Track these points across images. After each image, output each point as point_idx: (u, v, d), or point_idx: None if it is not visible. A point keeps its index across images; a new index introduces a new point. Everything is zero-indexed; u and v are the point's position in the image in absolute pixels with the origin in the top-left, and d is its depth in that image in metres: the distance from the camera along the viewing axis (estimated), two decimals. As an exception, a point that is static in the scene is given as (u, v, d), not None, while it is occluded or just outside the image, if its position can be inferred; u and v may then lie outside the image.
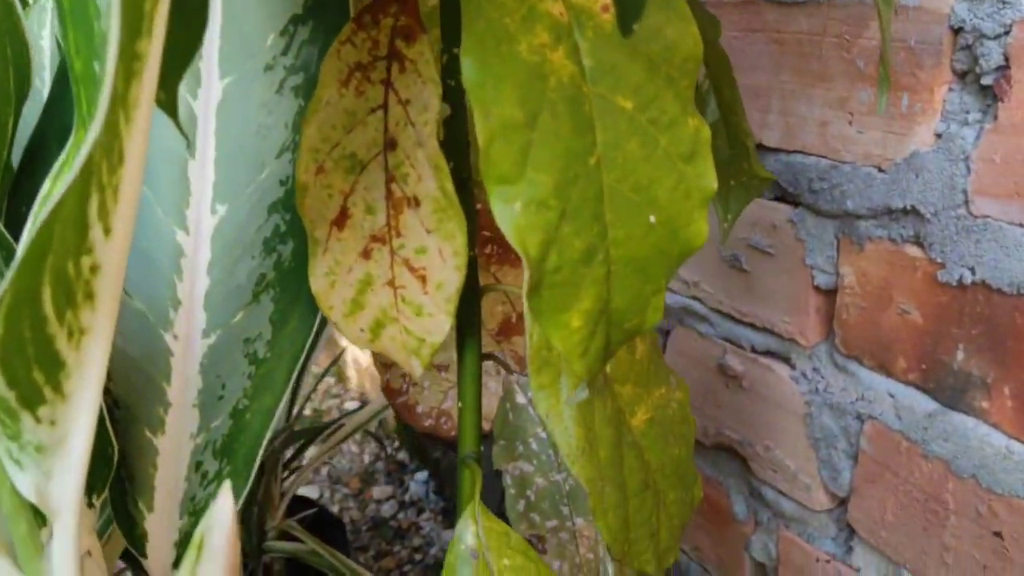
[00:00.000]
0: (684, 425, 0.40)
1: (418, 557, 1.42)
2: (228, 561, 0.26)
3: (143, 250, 0.35)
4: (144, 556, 0.36)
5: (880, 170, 0.55)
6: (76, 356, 0.25)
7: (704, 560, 0.84)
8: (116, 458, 0.34)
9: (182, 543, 0.35)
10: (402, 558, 1.42)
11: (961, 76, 0.50)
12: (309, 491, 1.57)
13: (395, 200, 0.33)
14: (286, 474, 1.08)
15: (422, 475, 1.62)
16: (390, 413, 1.74)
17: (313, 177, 0.32)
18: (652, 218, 0.27)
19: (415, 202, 0.32)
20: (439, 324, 0.34)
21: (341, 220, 0.33)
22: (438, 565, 1.39)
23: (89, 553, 0.33)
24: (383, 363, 0.47)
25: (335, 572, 0.94)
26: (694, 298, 0.75)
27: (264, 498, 0.98)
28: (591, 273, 0.27)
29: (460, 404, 0.39)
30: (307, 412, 1.80)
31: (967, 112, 0.50)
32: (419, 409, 0.49)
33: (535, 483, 0.47)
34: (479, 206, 0.42)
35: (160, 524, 0.36)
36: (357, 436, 1.79)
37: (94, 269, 0.23)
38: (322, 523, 1.09)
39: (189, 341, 0.35)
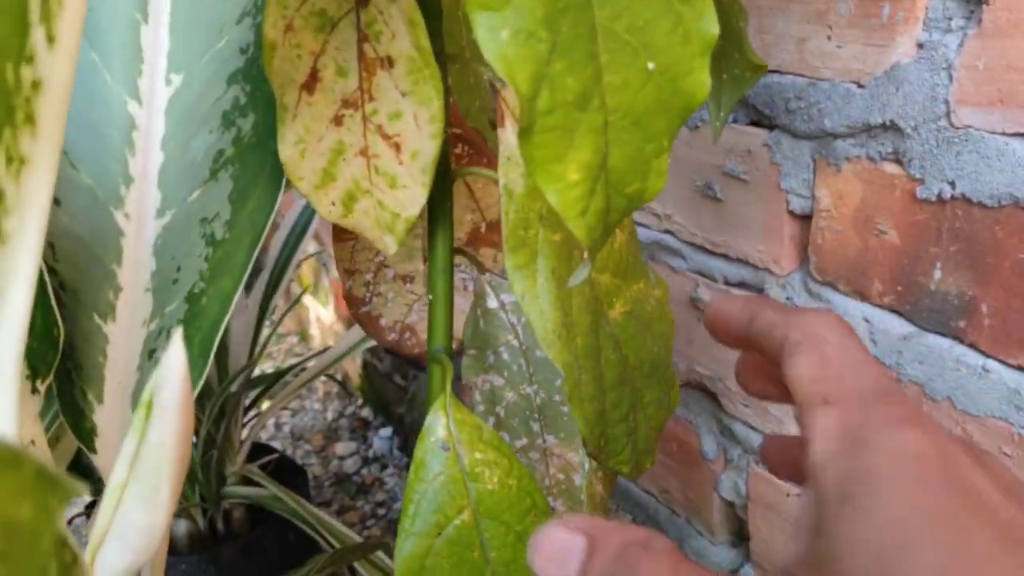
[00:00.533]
0: (663, 324, 0.39)
1: (381, 512, 1.40)
2: (181, 421, 0.24)
3: (91, 120, 0.32)
4: (93, 451, 0.34)
5: (859, 85, 0.54)
6: (16, 190, 0.23)
7: (672, 503, 0.83)
8: (62, 341, 0.32)
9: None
10: (365, 513, 1.40)
11: (945, -17, 0.49)
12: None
13: (368, 61, 0.31)
14: (247, 419, 1.06)
15: (386, 431, 1.60)
16: (354, 368, 1.72)
17: (282, 35, 0.30)
18: (650, 64, 0.25)
19: (389, 62, 0.30)
20: (414, 197, 0.32)
21: (311, 83, 0.31)
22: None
23: (33, 442, 0.31)
24: (346, 269, 0.45)
25: (297, 518, 0.93)
26: (667, 231, 0.74)
27: (224, 443, 0.96)
28: (587, 120, 0.25)
29: (430, 296, 0.37)
30: (269, 370, 1.77)
31: (950, 19, 0.48)
32: (382, 322, 0.47)
33: (505, 398, 0.45)
34: (452, 99, 0.40)
35: (111, 417, 0.34)
36: (319, 393, 1.76)
37: (36, 85, 0.21)
38: (284, 470, 1.07)
39: (141, 221, 0.33)
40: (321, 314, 1.89)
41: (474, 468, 0.33)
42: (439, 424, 0.34)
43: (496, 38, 0.22)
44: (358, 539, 0.86)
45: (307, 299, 1.91)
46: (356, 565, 0.85)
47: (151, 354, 0.34)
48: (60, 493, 0.13)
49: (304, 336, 2.02)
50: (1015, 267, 0.48)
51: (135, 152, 0.33)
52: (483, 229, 0.44)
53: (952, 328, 0.53)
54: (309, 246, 1.31)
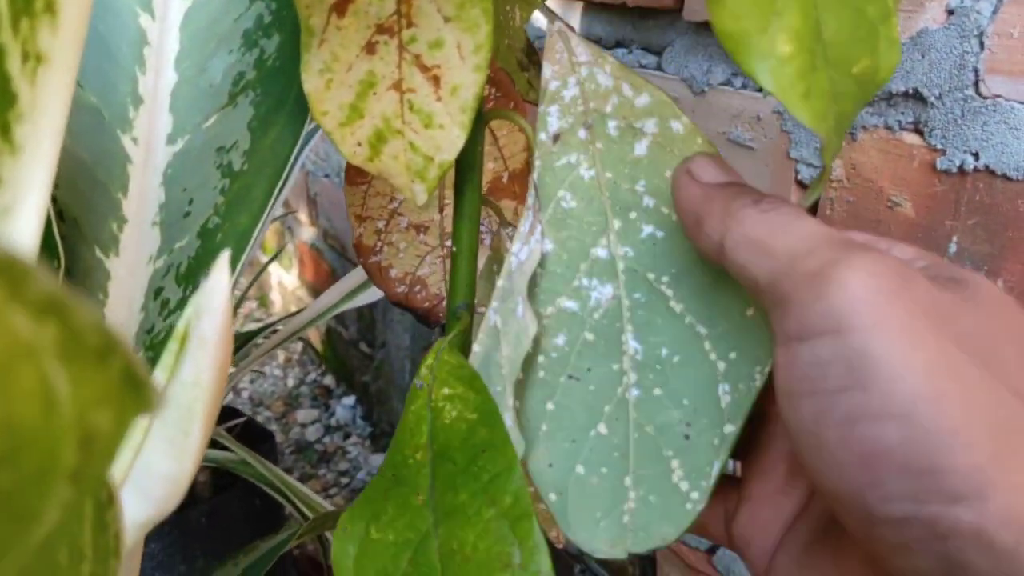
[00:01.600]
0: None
1: (344, 481, 1.38)
2: (221, 356, 0.21)
3: (98, 33, 0.29)
4: (89, 398, 0.31)
5: (883, 51, 0.52)
6: (31, 93, 0.20)
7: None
8: (61, 274, 0.29)
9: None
10: (328, 481, 1.38)
11: (980, -53, 0.47)
12: (229, 413, 1.51)
13: (409, -22, 0.28)
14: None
15: (349, 400, 1.57)
16: (316, 335, 1.68)
17: (313, -54, 0.27)
18: None
19: (433, -20, 0.28)
20: (452, 139, 0.30)
21: (342, 5, 0.28)
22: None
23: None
24: (356, 215, 0.42)
25: (265, 482, 0.90)
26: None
27: (190, 404, 0.92)
28: None
29: (453, 248, 0.35)
30: (228, 334, 1.73)
31: (985, -15, 0.47)
32: (392, 273, 0.45)
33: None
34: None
35: (109, 361, 0.31)
36: (280, 360, 1.73)
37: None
38: (251, 434, 1.04)
39: (151, 146, 0.30)
40: (284, 278, 1.85)
41: (438, 403, 0.30)
42: (424, 366, 0.31)
43: None
44: (329, 506, 0.83)
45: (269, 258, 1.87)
46: (327, 535, 0.82)
47: (157, 293, 0.31)
48: (141, 402, 0.10)
49: (264, 301, 1.98)
50: (1036, 242, 0.47)
51: (146, 71, 0.30)
52: (505, 179, 0.42)
53: (964, 304, 0.52)
54: (277, 209, 1.27)
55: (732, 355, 0.29)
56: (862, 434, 0.20)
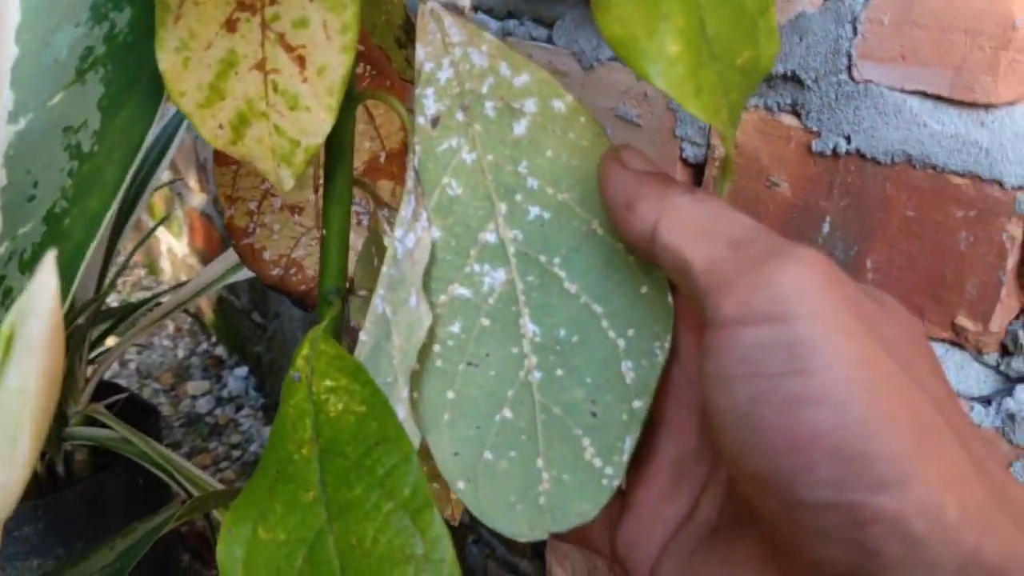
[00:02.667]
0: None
1: (236, 454, 1.35)
2: (49, 361, 0.20)
3: (-74, 1, 0.27)
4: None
5: (763, 33, 0.53)
6: None
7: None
8: None
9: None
10: (219, 455, 1.35)
11: (855, -66, 0.48)
12: (115, 385, 1.46)
13: (269, -47, 0.27)
14: (92, 356, 0.99)
15: (241, 371, 1.54)
16: (207, 305, 1.63)
17: (163, -85, 0.26)
18: None
19: (294, -43, 0.26)
20: (318, 122, 0.29)
21: (198, -22, 0.27)
22: (258, 461, 1.33)
23: None
24: (227, 196, 0.41)
25: (148, 460, 0.87)
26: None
27: (67, 380, 0.89)
28: None
29: (323, 231, 0.34)
30: (115, 304, 1.66)
31: (859, -29, 0.48)
32: (266, 255, 0.43)
33: (394, 342, 0.42)
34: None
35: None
36: (170, 330, 1.68)
37: None
38: (133, 410, 1.01)
39: (-10, 125, 0.28)
40: (173, 245, 1.79)
41: (321, 395, 0.29)
42: (300, 356, 0.31)
43: None
44: (215, 483, 0.82)
45: (159, 229, 1.80)
46: (214, 512, 0.81)
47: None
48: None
49: (153, 269, 1.91)
50: (902, 224, 0.49)
51: (-17, 43, 0.28)
52: (382, 159, 0.41)
53: (836, 282, 0.53)
54: (163, 174, 1.23)
55: (630, 332, 0.29)
56: (799, 418, 0.20)
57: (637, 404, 0.29)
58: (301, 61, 0.28)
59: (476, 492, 0.30)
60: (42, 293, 0.19)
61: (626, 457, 0.29)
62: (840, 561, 0.20)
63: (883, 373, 0.20)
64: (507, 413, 0.30)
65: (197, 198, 1.62)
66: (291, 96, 0.29)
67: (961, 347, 0.49)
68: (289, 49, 0.28)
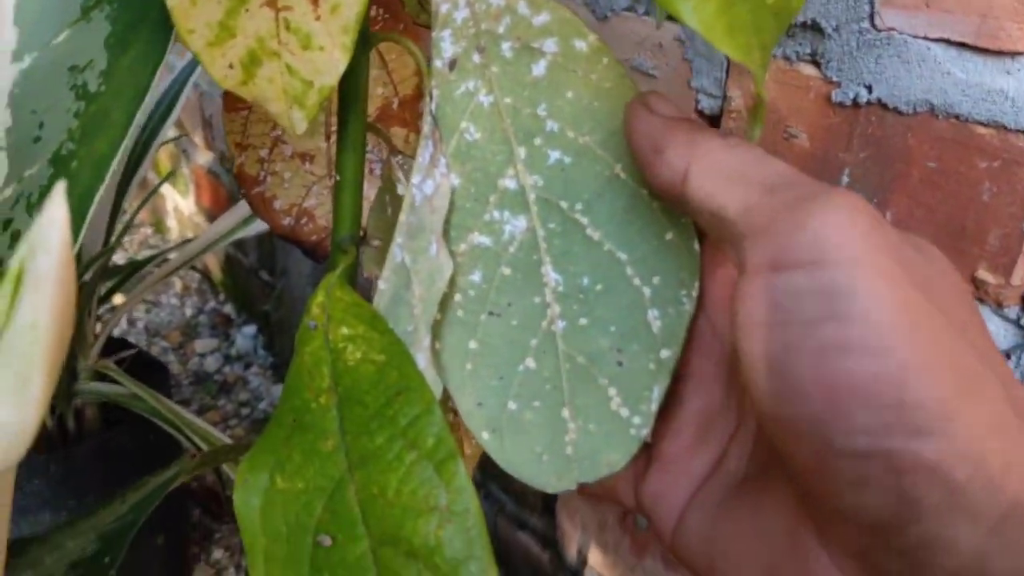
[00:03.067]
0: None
1: (245, 412, 1.36)
2: (61, 296, 0.19)
3: (-74, -67, 0.26)
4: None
5: (783, -20, 0.52)
6: None
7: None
8: None
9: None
10: (227, 412, 1.35)
11: None
12: (123, 343, 1.46)
13: None
14: (100, 312, 0.98)
15: (250, 329, 1.54)
16: (215, 262, 1.63)
17: None
18: None
19: None
20: (332, 62, 0.28)
21: (205, -92, 0.26)
22: (267, 419, 1.33)
23: None
24: (237, 143, 0.40)
25: (158, 416, 0.87)
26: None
27: (75, 335, 0.89)
28: None
29: (337, 178, 0.33)
30: (121, 262, 1.66)
31: (884, -86, 0.47)
32: (276, 204, 0.43)
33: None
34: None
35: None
36: (177, 288, 1.67)
37: None
38: (142, 366, 1.01)
39: (-7, 64, 0.27)
40: (180, 204, 1.78)
41: (338, 344, 0.29)
42: (315, 303, 0.30)
43: None
44: (226, 439, 0.82)
45: (165, 187, 1.79)
46: (224, 467, 0.81)
47: (6, 225, 0.28)
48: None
49: (160, 227, 1.90)
50: (923, 176, 0.48)
51: (-16, -22, 0.27)
52: (395, 105, 0.40)
53: (854, 236, 0.52)
54: (169, 131, 1.22)
55: (656, 280, 0.29)
56: (835, 366, 0.20)
57: (665, 353, 0.28)
58: (314, -2, 0.27)
59: (501, 443, 0.29)
60: (51, 226, 0.18)
61: (654, 407, 0.28)
62: (877, 509, 0.20)
63: (924, 320, 0.20)
64: (531, 363, 0.29)
65: (203, 155, 1.61)
66: (304, 34, 0.28)
67: (981, 301, 0.48)
68: (302, -15, 0.27)
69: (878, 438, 0.19)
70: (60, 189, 0.18)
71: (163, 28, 0.29)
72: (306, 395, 0.28)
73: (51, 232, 0.18)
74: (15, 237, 0.28)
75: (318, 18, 0.28)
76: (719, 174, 0.23)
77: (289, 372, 0.30)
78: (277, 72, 0.29)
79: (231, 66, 0.28)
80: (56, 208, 0.18)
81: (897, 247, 0.21)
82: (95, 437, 0.93)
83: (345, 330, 0.29)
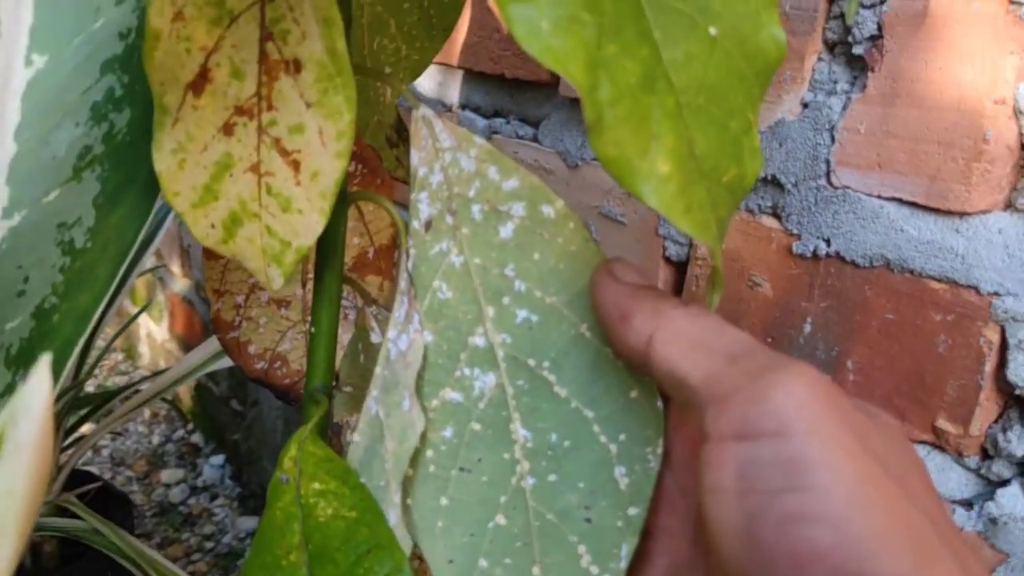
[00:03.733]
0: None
1: (209, 545, 1.32)
2: (38, 464, 0.20)
3: (-70, 100, 0.28)
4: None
5: (744, 138, 0.55)
6: None
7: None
8: None
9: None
10: (191, 546, 1.31)
11: (831, 47, 0.50)
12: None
13: (270, 63, 0.27)
14: (66, 443, 0.97)
15: (217, 459, 1.51)
16: (185, 391, 1.62)
17: (169, 24, 0.26)
18: (711, 30, 0.23)
19: (295, 67, 0.27)
20: (310, 224, 0.29)
21: (199, 84, 0.28)
22: (232, 554, 1.30)
23: None
24: (215, 290, 0.41)
25: (119, 553, 0.85)
26: (537, 268, 0.73)
27: (39, 469, 0.87)
28: (659, 103, 0.22)
29: (312, 329, 0.34)
30: (91, 389, 1.64)
31: (835, 82, 0.50)
32: (251, 349, 0.43)
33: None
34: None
35: (-74, 448, 0.28)
36: (145, 416, 1.65)
37: None
38: (106, 500, 0.98)
39: (-16, 221, 0.28)
40: (153, 331, 1.78)
41: (309, 499, 0.29)
42: (287, 457, 0.30)
43: (537, 31, 0.20)
44: (187, 578, 0.79)
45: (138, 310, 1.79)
46: (185, 608, 0.78)
47: (-16, 377, 0.29)
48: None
49: (132, 353, 1.89)
50: (881, 327, 0.50)
51: (-18, 141, 0.28)
52: (371, 255, 0.41)
53: (818, 382, 0.54)
54: (148, 260, 1.23)
55: (622, 437, 0.29)
56: (798, 535, 0.20)
57: (632, 511, 0.29)
58: (296, 165, 0.29)
59: None
60: (35, 396, 0.19)
61: (623, 564, 0.29)
62: None
63: (881, 491, 0.20)
64: (501, 520, 0.30)
65: (179, 283, 1.62)
66: (284, 199, 0.29)
67: (942, 450, 0.49)
68: (284, 154, 0.29)
69: None
70: (45, 361, 0.19)
71: (151, 188, 0.30)
72: (277, 552, 0.28)
73: (34, 402, 0.19)
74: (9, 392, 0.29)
75: (298, 184, 0.29)
76: (682, 342, 0.24)
77: (260, 526, 0.30)
78: (257, 233, 0.30)
79: (213, 226, 0.30)
80: (40, 377, 0.19)
81: (853, 417, 0.22)
82: (53, 574, 0.89)
83: (317, 485, 0.29)
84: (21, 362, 0.29)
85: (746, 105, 0.24)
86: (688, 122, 0.22)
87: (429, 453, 0.30)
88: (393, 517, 0.29)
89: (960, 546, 0.22)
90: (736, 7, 0.22)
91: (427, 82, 0.83)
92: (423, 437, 0.30)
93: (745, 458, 0.21)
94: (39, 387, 0.19)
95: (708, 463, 0.22)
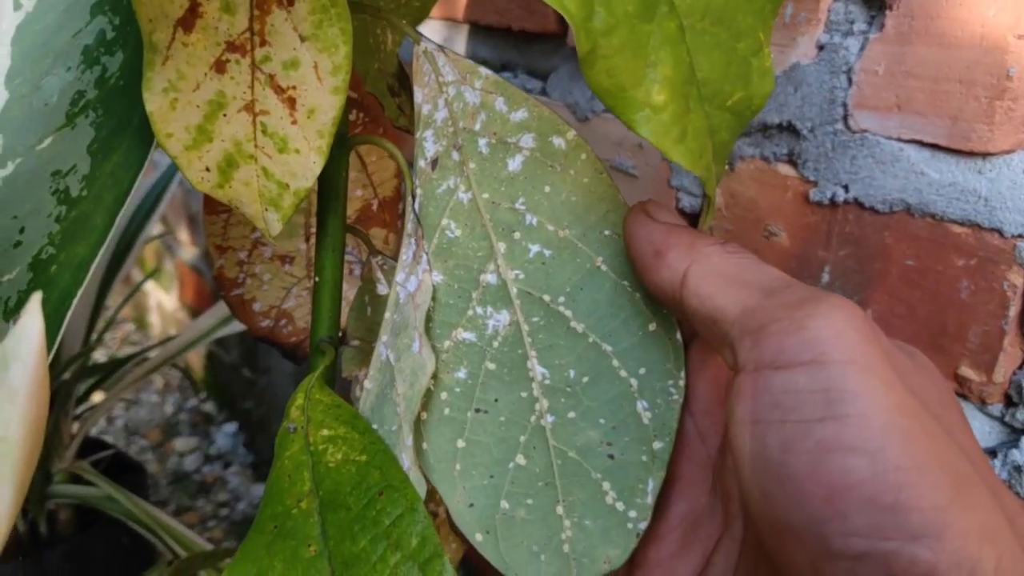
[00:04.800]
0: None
1: (224, 512, 1.32)
2: (34, 408, 0.19)
3: (-85, 44, 0.27)
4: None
5: (757, 84, 0.53)
6: None
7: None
8: None
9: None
10: (206, 513, 1.32)
11: (848, -14, 0.49)
12: (101, 442, 1.43)
13: (263, -5, 0.26)
14: (79, 411, 0.97)
15: (231, 427, 1.51)
16: (196, 359, 1.62)
17: (157, -43, 0.25)
18: None
19: (288, -1, 0.26)
20: (307, 165, 0.28)
21: (189, 20, 0.26)
22: (246, 521, 1.30)
23: None
24: (216, 246, 0.40)
25: (133, 519, 0.85)
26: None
27: (52, 437, 0.87)
28: (658, 30, 0.21)
29: (316, 279, 0.33)
30: (102, 359, 1.65)
31: (852, 22, 0.48)
32: (256, 307, 0.43)
33: (388, 394, 0.41)
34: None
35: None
36: (158, 385, 1.65)
37: None
38: (119, 467, 0.98)
39: (-24, 170, 0.28)
40: (163, 300, 1.78)
41: (318, 446, 0.28)
42: (294, 406, 0.30)
43: None
44: (203, 543, 0.79)
45: (148, 283, 1.79)
46: (201, 574, 0.78)
47: (-19, 331, 0.28)
48: None
49: (142, 323, 1.89)
50: (902, 274, 0.49)
51: (-29, 87, 0.27)
52: (375, 207, 0.40)
53: (836, 333, 0.53)
54: (154, 228, 1.22)
55: (642, 371, 0.28)
56: (833, 465, 0.20)
57: (658, 445, 0.28)
58: (291, 103, 0.28)
59: (496, 544, 0.29)
60: (26, 338, 0.18)
61: (650, 500, 0.28)
62: None
63: (919, 423, 0.20)
64: (521, 460, 0.29)
65: (188, 251, 1.61)
66: (280, 138, 0.28)
67: (965, 398, 0.48)
68: (279, 91, 0.27)
69: (875, 540, 0.19)
70: (36, 300, 0.18)
71: (146, 134, 0.29)
72: (287, 500, 0.28)
73: (26, 344, 0.18)
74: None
75: (294, 122, 0.28)
76: (718, 277, 0.24)
77: (270, 478, 0.29)
78: (253, 175, 0.29)
79: (208, 169, 0.29)
80: (31, 319, 0.18)
81: (890, 351, 0.21)
82: (68, 541, 0.90)
83: (325, 432, 0.29)
84: (20, 314, 0.28)
85: (756, 24, 0.23)
86: (691, 46, 0.22)
87: (443, 395, 0.29)
88: (407, 461, 0.28)
89: (997, 483, 0.21)
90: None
91: (432, 37, 0.82)
92: (437, 379, 0.29)
93: (781, 387, 0.21)
94: (30, 328, 0.18)
95: (741, 394, 0.22)
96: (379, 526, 0.26)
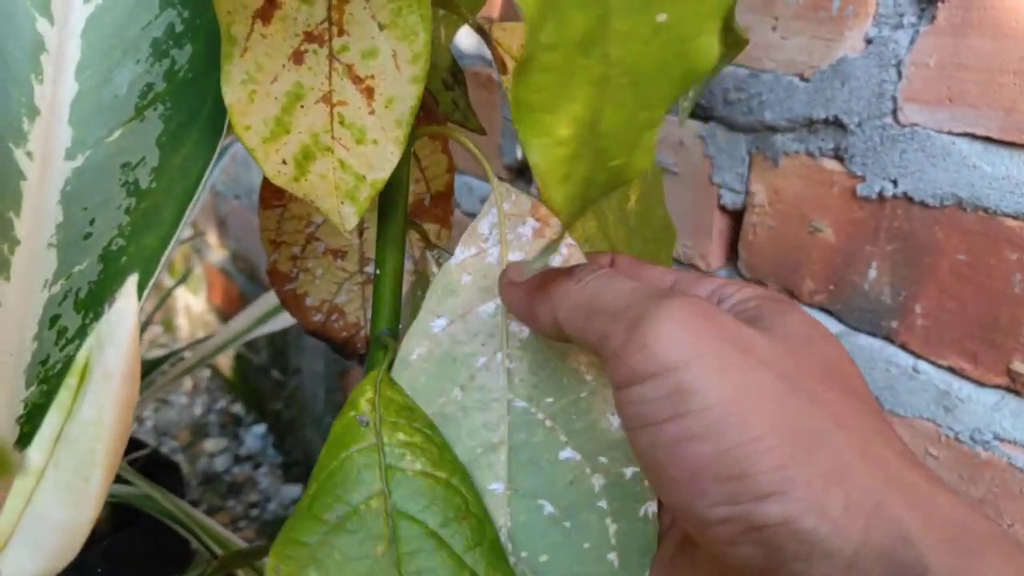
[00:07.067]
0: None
1: (254, 512, 1.33)
2: (125, 392, 0.19)
3: (-11, 37, 0.27)
4: (-26, 437, 0.28)
5: (803, 79, 0.53)
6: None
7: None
8: (-57, 301, 0.26)
9: (29, 417, 0.28)
10: (237, 513, 1.32)
11: (897, -21, 0.48)
12: (132, 443, 1.44)
13: (339, -16, 0.26)
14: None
15: (259, 428, 1.52)
16: (225, 361, 1.62)
17: (232, -51, 0.25)
18: (660, 16, 0.22)
19: (365, -12, 0.26)
20: (385, 156, 0.28)
21: (267, 11, 0.27)
22: (277, 521, 1.30)
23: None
24: (271, 240, 0.40)
25: (171, 518, 0.85)
26: (585, 223, 0.71)
27: (90, 436, 0.87)
28: (587, 68, 0.21)
29: (377, 271, 0.33)
30: (131, 361, 1.65)
31: (902, 15, 0.48)
32: (308, 301, 0.43)
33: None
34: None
35: (-2, 396, 0.28)
36: (186, 386, 1.66)
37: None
38: (154, 466, 0.99)
39: (47, 161, 0.28)
40: (191, 302, 1.79)
41: (395, 449, 0.28)
42: (363, 398, 0.29)
43: None
44: (240, 542, 0.80)
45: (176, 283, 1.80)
46: (239, 572, 0.79)
47: (53, 321, 0.28)
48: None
49: (170, 326, 1.90)
50: (952, 268, 0.48)
51: (43, 80, 0.28)
52: (427, 201, 0.40)
53: (883, 328, 0.52)
54: (184, 231, 1.22)
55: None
56: (685, 453, 0.24)
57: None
58: (369, 93, 0.28)
59: None
60: (121, 321, 0.18)
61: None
62: (754, 559, 0.24)
63: (756, 396, 0.23)
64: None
65: (216, 254, 1.62)
66: (358, 129, 0.28)
67: (1017, 393, 0.47)
68: (357, 80, 0.27)
69: (732, 506, 0.23)
70: (132, 283, 0.18)
71: (214, 127, 0.29)
72: (352, 494, 0.27)
73: (121, 327, 0.18)
74: (61, 334, 0.28)
75: (372, 112, 0.28)
76: (577, 313, 0.27)
77: (326, 464, 0.29)
78: (330, 167, 0.29)
79: (284, 162, 0.29)
80: (126, 302, 0.18)
81: (730, 331, 0.25)
82: (105, 539, 0.90)
83: (401, 436, 0.29)
84: (91, 306, 0.28)
85: (661, 101, 0.23)
86: (606, 96, 0.22)
87: None
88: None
89: (881, 427, 0.25)
90: (690, 4, 0.21)
91: (467, 39, 0.82)
92: None
93: (638, 399, 0.25)
94: (126, 311, 0.18)
95: (618, 408, 0.26)
96: (454, 549, 0.27)
